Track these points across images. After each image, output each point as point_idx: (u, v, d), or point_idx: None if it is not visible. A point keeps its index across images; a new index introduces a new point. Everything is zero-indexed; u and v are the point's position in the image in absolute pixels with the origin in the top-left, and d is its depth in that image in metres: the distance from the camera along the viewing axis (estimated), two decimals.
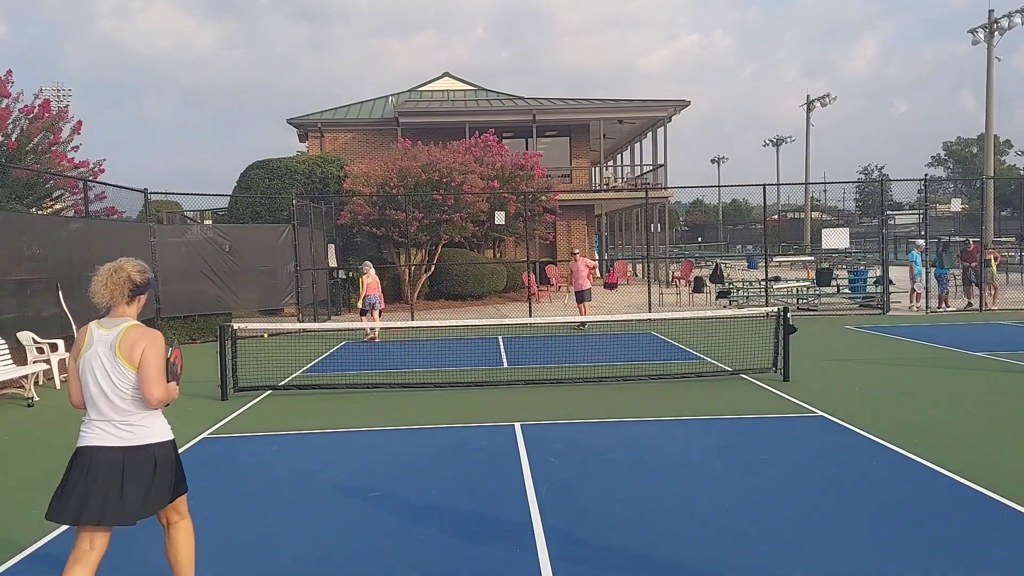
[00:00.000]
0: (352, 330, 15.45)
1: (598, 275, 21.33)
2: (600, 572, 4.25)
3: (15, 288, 10.50)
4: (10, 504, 5.70)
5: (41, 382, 10.43)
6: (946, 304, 18.85)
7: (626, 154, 37.92)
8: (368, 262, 16.28)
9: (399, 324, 13.26)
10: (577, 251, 16.89)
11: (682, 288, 22.82)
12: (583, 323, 15.72)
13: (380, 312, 15.41)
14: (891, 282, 19.21)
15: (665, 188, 28.28)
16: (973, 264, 18.97)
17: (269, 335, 14.29)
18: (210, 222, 20.86)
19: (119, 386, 3.49)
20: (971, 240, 20.37)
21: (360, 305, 15.37)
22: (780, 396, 8.87)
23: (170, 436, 3.69)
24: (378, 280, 15.55)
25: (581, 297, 16.23)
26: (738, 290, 20.82)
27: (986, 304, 18.44)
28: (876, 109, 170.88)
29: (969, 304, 18.88)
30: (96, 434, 3.52)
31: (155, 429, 3.60)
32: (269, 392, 9.72)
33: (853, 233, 35.29)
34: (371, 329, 15.07)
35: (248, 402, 9.18)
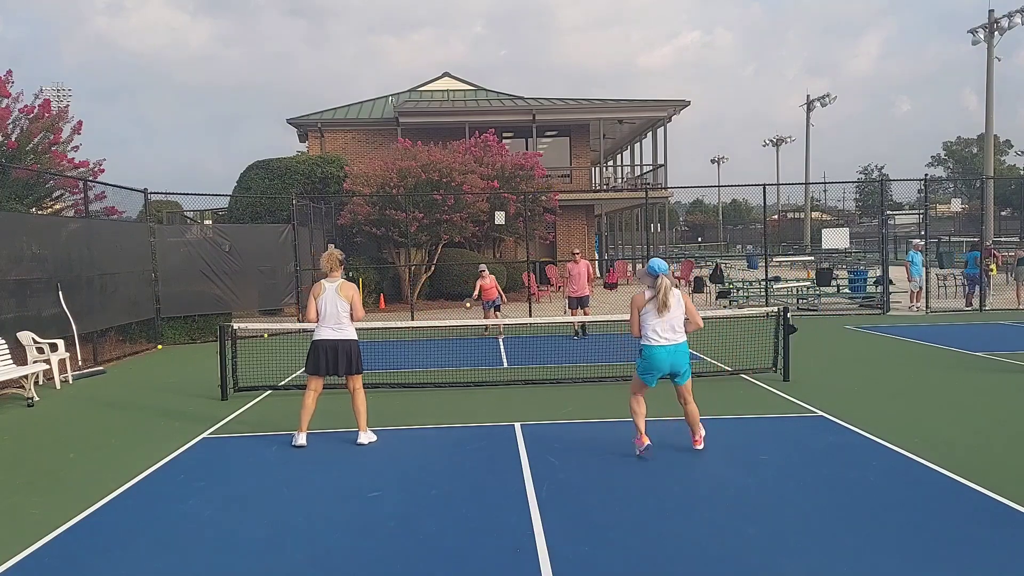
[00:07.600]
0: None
1: (598, 275, 21.26)
2: (600, 572, 4.26)
3: (15, 288, 10.49)
4: (10, 504, 5.69)
5: (41, 382, 10.42)
6: (969, 303, 18.98)
7: (626, 154, 37.90)
8: (483, 264, 16.82)
9: (399, 324, 13.22)
10: (578, 252, 16.08)
11: (682, 288, 22.76)
12: (583, 329, 15.07)
13: (497, 310, 15.95)
14: (891, 282, 19.23)
15: (665, 188, 28.24)
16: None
17: (269, 335, 14.29)
18: (210, 222, 20.81)
19: (339, 310, 6.99)
20: (988, 244, 20.44)
21: (475, 301, 15.81)
22: (780, 396, 8.87)
23: (356, 336, 7.13)
24: (495, 280, 15.99)
25: (581, 303, 15.17)
26: (738, 290, 20.81)
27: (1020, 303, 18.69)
28: (877, 108, 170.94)
29: (968, 304, 19.05)
30: (327, 333, 7.00)
31: (351, 332, 7.09)
32: (269, 392, 9.73)
33: (853, 233, 35.28)
34: (495, 326, 15.24)
35: (248, 402, 9.19)
